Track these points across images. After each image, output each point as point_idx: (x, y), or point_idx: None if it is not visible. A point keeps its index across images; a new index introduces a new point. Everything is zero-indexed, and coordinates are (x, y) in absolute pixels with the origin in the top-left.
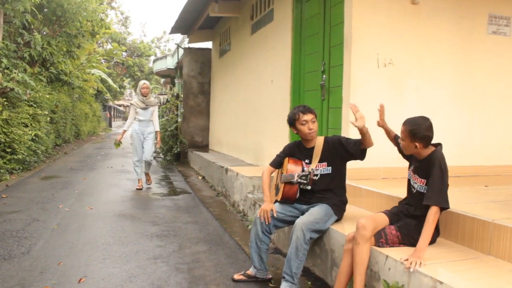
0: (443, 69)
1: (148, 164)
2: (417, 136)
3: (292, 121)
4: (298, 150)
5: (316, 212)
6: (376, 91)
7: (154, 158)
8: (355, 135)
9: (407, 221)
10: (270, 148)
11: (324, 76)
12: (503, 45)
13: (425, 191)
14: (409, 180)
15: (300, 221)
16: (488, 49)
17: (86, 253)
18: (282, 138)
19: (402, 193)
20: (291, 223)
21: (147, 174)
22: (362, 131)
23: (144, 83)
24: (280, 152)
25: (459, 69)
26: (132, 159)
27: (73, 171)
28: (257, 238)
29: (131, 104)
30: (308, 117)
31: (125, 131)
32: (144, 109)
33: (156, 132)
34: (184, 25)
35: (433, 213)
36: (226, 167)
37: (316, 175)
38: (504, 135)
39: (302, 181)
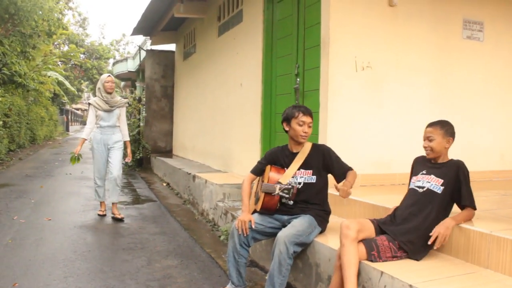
0: (421, 73)
1: (115, 184)
2: (448, 131)
3: (289, 118)
4: (281, 154)
5: (299, 224)
6: (354, 95)
7: None
8: (332, 141)
9: (403, 227)
10: (239, 153)
11: (298, 79)
12: (477, 50)
13: (439, 191)
14: (411, 189)
15: (283, 234)
16: (463, 54)
17: (45, 271)
18: (252, 143)
19: (384, 202)
20: (271, 235)
21: (114, 206)
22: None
23: (108, 76)
24: (262, 158)
25: (436, 73)
26: (93, 176)
27: (29, 178)
28: (234, 252)
29: (89, 104)
30: (307, 119)
31: (84, 140)
32: (108, 111)
33: (125, 142)
34: (147, 26)
35: (468, 213)
36: (194, 174)
37: (300, 182)
38: (478, 140)
39: (283, 194)
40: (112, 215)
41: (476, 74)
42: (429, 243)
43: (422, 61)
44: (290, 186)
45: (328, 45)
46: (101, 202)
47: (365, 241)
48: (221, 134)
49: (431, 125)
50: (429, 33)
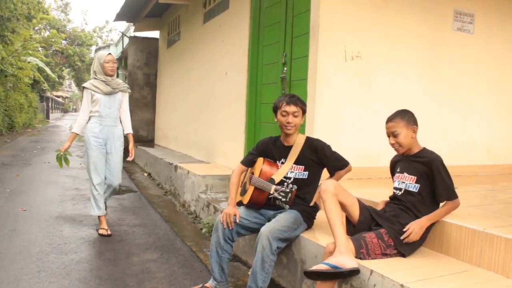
0: (411, 64)
1: (114, 190)
2: (410, 120)
3: (275, 109)
4: (273, 147)
5: (284, 219)
6: (343, 86)
7: None
8: (320, 133)
9: (394, 227)
10: (223, 144)
11: (285, 68)
12: (467, 43)
13: (415, 189)
14: (394, 190)
15: (266, 229)
16: (453, 46)
17: (17, 265)
18: (236, 133)
19: (371, 195)
20: (255, 230)
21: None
22: None
23: (109, 54)
24: (253, 148)
25: (426, 65)
26: (89, 180)
27: (5, 166)
28: (218, 246)
29: (83, 89)
30: (291, 109)
31: (75, 135)
32: (109, 94)
33: (127, 135)
34: (130, 12)
35: (447, 207)
36: (176, 164)
37: (289, 177)
38: (466, 134)
39: (280, 197)
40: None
41: (466, 67)
42: (402, 238)
43: (412, 52)
44: (288, 190)
45: (317, 33)
46: (100, 217)
47: (353, 238)
48: (205, 124)
49: (390, 119)
50: (420, 23)
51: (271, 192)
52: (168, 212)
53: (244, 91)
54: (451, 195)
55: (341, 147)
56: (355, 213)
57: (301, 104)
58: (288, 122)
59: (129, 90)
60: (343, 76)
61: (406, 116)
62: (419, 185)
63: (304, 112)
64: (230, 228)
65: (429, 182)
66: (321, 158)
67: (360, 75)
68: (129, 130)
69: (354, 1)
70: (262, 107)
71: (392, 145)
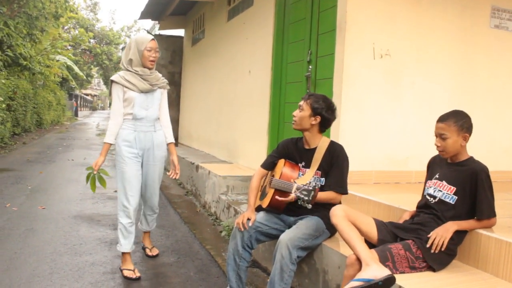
0: (443, 63)
1: (153, 213)
2: (464, 126)
3: None
4: (295, 148)
5: (305, 226)
6: (370, 85)
7: None
8: (345, 134)
9: (422, 237)
10: (245, 144)
11: (310, 66)
12: (506, 40)
13: (451, 201)
14: (425, 196)
15: (286, 236)
16: (490, 44)
17: (29, 266)
18: (259, 134)
19: (399, 202)
20: (275, 237)
21: (146, 235)
22: None
23: (153, 39)
24: (274, 151)
25: (459, 64)
26: (118, 201)
27: (29, 163)
28: (235, 254)
29: (112, 83)
30: (300, 102)
31: (109, 146)
32: (146, 92)
33: (168, 145)
34: (155, 10)
35: (482, 223)
36: (197, 164)
37: (309, 182)
38: (500, 139)
39: (302, 196)
40: (143, 247)
41: (503, 67)
42: (428, 245)
43: (445, 50)
44: (311, 188)
45: (344, 29)
46: (124, 254)
47: (378, 250)
48: (227, 123)
49: (443, 119)
50: (454, 21)
51: (293, 192)
52: (188, 213)
53: (267, 90)
54: (491, 213)
55: (367, 150)
56: (373, 233)
57: (312, 101)
58: (293, 115)
59: (168, 87)
60: (371, 75)
61: (460, 121)
62: (456, 197)
63: (314, 111)
64: (242, 229)
65: (469, 195)
66: (332, 164)
67: (389, 75)
68: (171, 138)
69: None
70: (286, 106)
71: (437, 147)
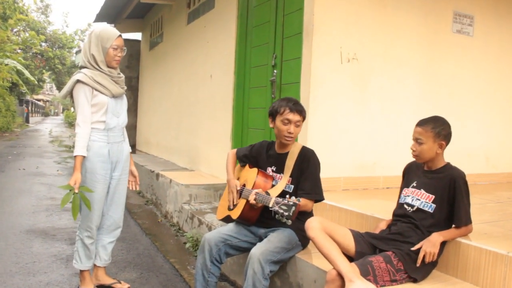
0: (409, 68)
1: (114, 234)
2: (441, 133)
3: (274, 113)
4: (265, 151)
5: (277, 239)
6: (338, 90)
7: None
8: (313, 141)
9: (402, 248)
10: (208, 151)
11: (275, 71)
12: (467, 45)
13: (430, 209)
14: (401, 204)
15: (257, 251)
16: (452, 48)
17: None
18: (222, 140)
19: (371, 209)
20: (245, 250)
21: (101, 270)
22: None
23: (120, 36)
24: (249, 147)
25: (424, 68)
26: (82, 219)
27: None
28: (204, 269)
29: (77, 82)
30: (295, 117)
31: (82, 158)
32: (117, 98)
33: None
34: (111, 13)
35: (461, 231)
36: (157, 172)
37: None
38: (464, 142)
39: (281, 211)
40: (101, 285)
41: (465, 71)
42: (417, 265)
43: (410, 55)
44: (291, 203)
45: (311, 33)
46: (83, 272)
47: (358, 263)
48: (188, 129)
49: (421, 123)
50: (418, 25)
51: (270, 206)
52: (149, 223)
53: (230, 95)
54: (468, 220)
55: (335, 156)
56: (351, 245)
57: (304, 113)
58: (289, 132)
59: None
60: (338, 79)
61: (438, 128)
62: (435, 206)
63: (303, 121)
64: (234, 203)
65: (447, 203)
66: (304, 170)
67: (357, 79)
68: (128, 147)
69: None
70: (250, 112)
71: (413, 151)
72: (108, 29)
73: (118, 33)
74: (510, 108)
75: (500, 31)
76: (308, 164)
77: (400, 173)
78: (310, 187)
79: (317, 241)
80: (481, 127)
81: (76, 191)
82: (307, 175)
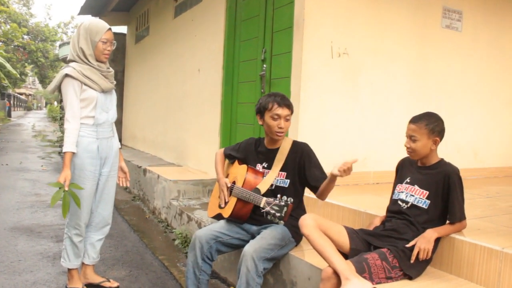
0: (398, 62)
1: (103, 232)
2: (435, 130)
3: (262, 110)
4: (254, 148)
5: (270, 236)
6: (329, 84)
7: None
8: (304, 135)
9: (397, 245)
10: (196, 146)
11: (264, 65)
12: (456, 40)
13: (424, 206)
14: (394, 201)
15: (250, 248)
16: (441, 43)
17: None
18: (210, 135)
19: (364, 205)
20: (237, 247)
21: (90, 268)
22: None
23: (109, 30)
24: (236, 145)
25: (414, 63)
26: (70, 217)
27: None
28: (195, 267)
29: (67, 77)
30: (284, 112)
31: (71, 154)
32: (107, 93)
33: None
34: (96, 5)
35: (455, 227)
36: (144, 167)
37: (272, 185)
38: (453, 137)
39: (273, 212)
40: (89, 284)
41: (454, 65)
42: (412, 261)
43: (400, 49)
44: (282, 203)
45: (302, 27)
46: (72, 270)
47: (354, 261)
48: (176, 124)
49: (414, 121)
50: (408, 20)
51: (262, 206)
52: (137, 220)
53: (219, 89)
54: (462, 215)
55: (326, 151)
56: (345, 242)
57: (292, 107)
58: (280, 127)
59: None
60: (329, 74)
61: (431, 124)
62: (429, 202)
63: (291, 115)
64: (226, 200)
65: (441, 199)
66: (302, 165)
67: (347, 73)
68: (118, 143)
69: None
70: (239, 106)
71: (407, 148)
72: (98, 22)
73: (107, 26)
74: (497, 103)
75: (488, 27)
76: (306, 155)
77: (391, 168)
78: (320, 173)
79: (311, 238)
80: (469, 121)
81: (66, 188)
82: (311, 165)
